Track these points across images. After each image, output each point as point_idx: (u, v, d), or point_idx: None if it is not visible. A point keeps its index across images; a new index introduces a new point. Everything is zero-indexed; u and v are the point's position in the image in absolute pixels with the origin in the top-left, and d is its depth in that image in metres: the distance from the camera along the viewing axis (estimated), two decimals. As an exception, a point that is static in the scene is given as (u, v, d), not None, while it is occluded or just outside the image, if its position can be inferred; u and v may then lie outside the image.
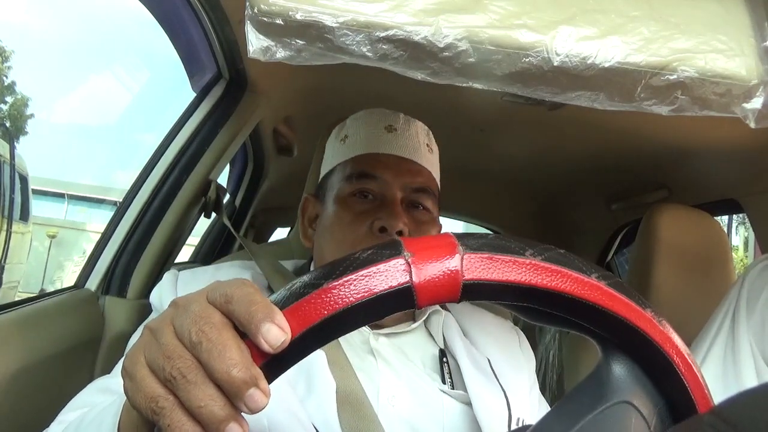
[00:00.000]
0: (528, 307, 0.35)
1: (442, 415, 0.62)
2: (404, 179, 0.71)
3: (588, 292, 0.32)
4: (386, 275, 0.31)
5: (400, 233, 0.67)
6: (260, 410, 0.29)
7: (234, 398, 0.29)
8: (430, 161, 0.76)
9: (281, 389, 0.57)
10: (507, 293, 0.33)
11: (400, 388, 0.63)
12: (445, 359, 0.68)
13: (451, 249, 0.32)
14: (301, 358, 0.32)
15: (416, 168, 0.73)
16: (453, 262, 0.32)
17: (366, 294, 0.30)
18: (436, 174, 0.77)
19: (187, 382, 0.29)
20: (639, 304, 0.33)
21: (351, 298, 0.30)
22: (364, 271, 0.31)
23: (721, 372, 0.83)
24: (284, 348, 0.30)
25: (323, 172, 0.79)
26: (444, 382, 0.65)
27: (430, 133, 0.80)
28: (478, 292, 0.32)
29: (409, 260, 0.31)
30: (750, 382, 0.80)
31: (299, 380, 0.59)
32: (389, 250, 0.32)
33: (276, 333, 0.30)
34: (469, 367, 0.66)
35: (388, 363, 0.65)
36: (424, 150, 0.75)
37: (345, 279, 0.31)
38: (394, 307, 0.32)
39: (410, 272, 0.31)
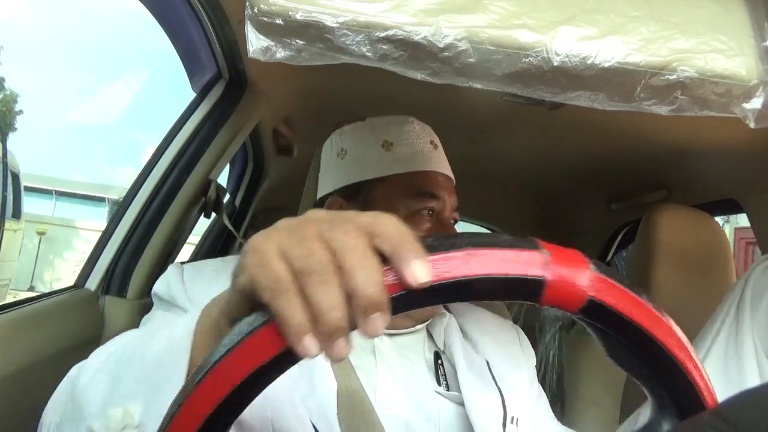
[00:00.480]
0: (619, 344, 0.35)
1: (437, 416, 0.63)
2: (452, 199, 0.74)
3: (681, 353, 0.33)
4: (523, 263, 0.32)
5: None
6: (370, 337, 0.29)
7: (360, 315, 0.28)
8: None
9: (286, 384, 0.57)
10: (624, 329, 0.33)
11: (397, 389, 0.64)
12: (440, 361, 0.68)
13: (583, 263, 0.33)
14: (414, 308, 0.31)
15: (453, 187, 0.76)
16: (585, 276, 0.32)
17: (500, 273, 0.31)
18: None
19: (321, 281, 0.29)
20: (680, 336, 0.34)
21: (486, 270, 0.31)
22: (506, 252, 0.31)
23: (722, 370, 0.83)
24: (421, 289, 0.29)
25: (360, 176, 0.75)
26: (439, 383, 0.66)
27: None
28: (598, 315, 0.33)
29: (547, 258, 0.32)
30: (753, 380, 0.81)
31: (302, 378, 0.59)
32: (528, 243, 0.33)
33: (425, 270, 0.29)
34: (464, 369, 0.66)
35: (388, 363, 0.66)
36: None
37: (489, 251, 0.31)
38: (518, 295, 0.32)
39: (546, 268, 0.32)
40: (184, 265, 0.69)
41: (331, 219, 0.32)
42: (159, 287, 0.68)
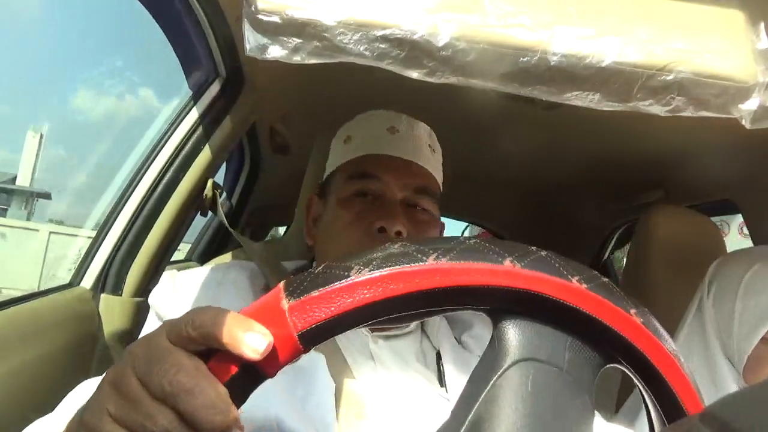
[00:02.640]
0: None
1: (438, 417, 0.62)
2: (404, 180, 0.72)
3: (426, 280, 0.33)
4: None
5: (399, 233, 0.67)
6: None
7: None
8: (432, 162, 0.76)
9: (284, 391, 0.57)
10: (347, 322, 0.32)
11: (397, 392, 0.63)
12: (441, 362, 0.68)
13: (276, 311, 0.31)
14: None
15: (416, 169, 0.73)
16: (284, 328, 0.31)
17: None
18: (438, 175, 0.78)
19: None
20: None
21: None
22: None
23: (695, 369, 0.85)
24: (267, 352, 0.30)
25: (327, 172, 0.80)
26: (442, 384, 0.66)
27: (433, 134, 0.80)
28: (318, 337, 0.32)
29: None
30: (723, 374, 0.81)
31: (298, 383, 0.59)
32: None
33: (257, 339, 0.30)
34: (453, 371, 0.66)
35: (387, 367, 0.66)
36: (426, 151, 0.76)
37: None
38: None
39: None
40: (178, 274, 0.70)
41: (146, 352, 0.32)
42: (152, 298, 0.69)
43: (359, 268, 0.32)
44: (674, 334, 0.97)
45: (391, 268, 0.32)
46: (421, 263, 0.32)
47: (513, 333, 0.33)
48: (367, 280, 0.31)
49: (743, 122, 0.49)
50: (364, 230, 0.68)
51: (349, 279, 0.31)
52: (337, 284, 0.31)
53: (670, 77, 0.48)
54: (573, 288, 0.32)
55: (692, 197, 1.46)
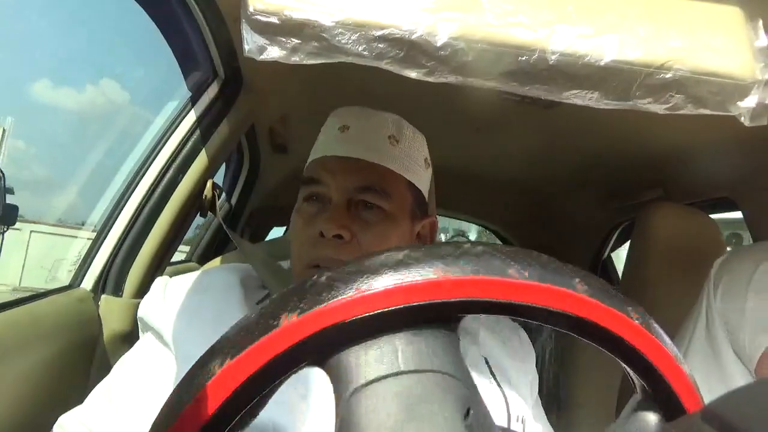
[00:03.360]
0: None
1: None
2: (346, 180, 0.68)
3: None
4: None
5: (339, 237, 0.65)
6: None
7: None
8: (392, 155, 0.71)
9: (284, 392, 0.57)
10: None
11: None
12: None
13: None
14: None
15: (362, 166, 0.69)
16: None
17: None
18: (408, 166, 0.72)
19: None
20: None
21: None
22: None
23: (703, 366, 0.84)
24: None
25: None
26: None
27: (402, 122, 0.75)
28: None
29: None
30: (732, 371, 0.81)
31: (298, 381, 0.59)
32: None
33: None
34: None
35: None
36: (384, 144, 0.71)
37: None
38: None
39: None
40: (169, 281, 0.71)
41: None
42: (141, 307, 0.69)
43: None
44: (677, 332, 0.97)
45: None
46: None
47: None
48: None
49: (742, 120, 0.50)
50: (311, 234, 0.67)
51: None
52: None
53: (669, 75, 0.48)
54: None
55: (691, 195, 1.46)
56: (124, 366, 0.67)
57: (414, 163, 0.73)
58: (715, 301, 0.87)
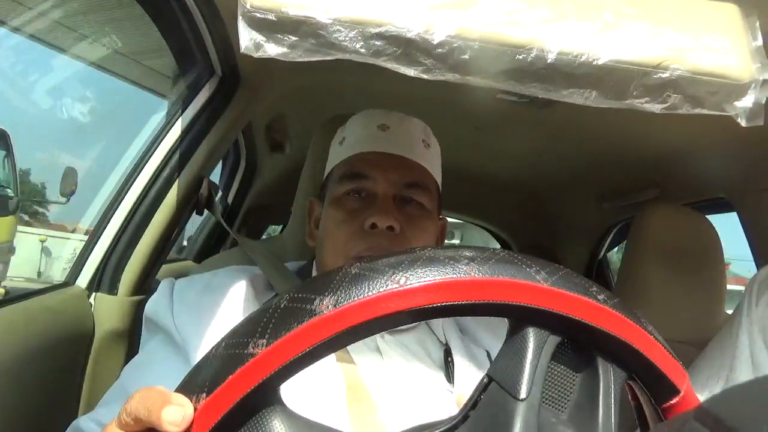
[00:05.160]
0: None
1: (447, 412, 0.63)
2: (395, 176, 0.72)
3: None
4: None
5: (391, 228, 0.67)
6: None
7: None
8: (426, 157, 0.76)
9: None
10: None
11: (405, 386, 0.64)
12: (450, 358, 0.68)
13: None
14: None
15: (408, 164, 0.73)
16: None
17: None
18: (435, 170, 0.78)
19: None
20: None
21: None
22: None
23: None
24: (189, 422, 0.31)
25: (325, 175, 0.81)
26: (450, 380, 0.66)
27: (428, 129, 0.80)
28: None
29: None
30: None
31: (307, 378, 0.60)
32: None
33: (174, 412, 0.31)
34: (464, 365, 0.66)
35: (394, 361, 0.66)
36: (419, 146, 0.76)
37: None
38: None
39: None
40: (176, 282, 0.70)
41: None
42: (148, 308, 0.69)
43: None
44: (680, 331, 0.97)
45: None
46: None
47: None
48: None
49: (738, 120, 0.50)
50: (357, 228, 0.69)
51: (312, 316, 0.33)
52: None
53: (666, 75, 0.48)
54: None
55: (688, 195, 1.46)
56: (136, 367, 0.67)
57: (437, 167, 0.79)
58: (756, 312, 0.86)
